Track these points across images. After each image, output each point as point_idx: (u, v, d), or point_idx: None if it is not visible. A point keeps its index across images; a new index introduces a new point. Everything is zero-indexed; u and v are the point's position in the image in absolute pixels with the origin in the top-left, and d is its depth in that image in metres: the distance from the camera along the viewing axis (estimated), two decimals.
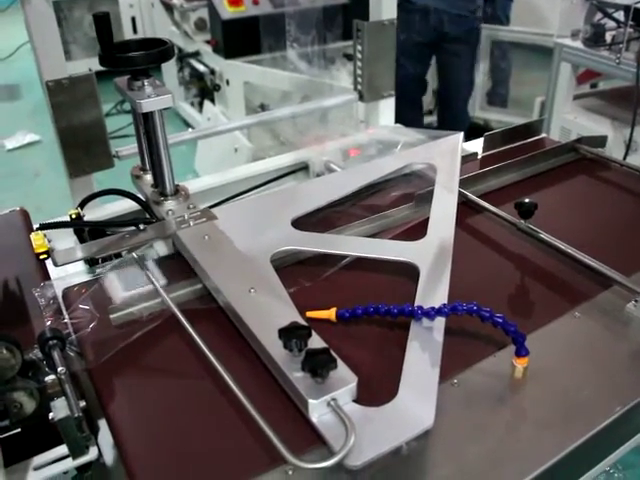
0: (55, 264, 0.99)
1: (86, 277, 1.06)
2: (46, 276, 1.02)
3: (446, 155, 1.33)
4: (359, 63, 1.85)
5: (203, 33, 3.77)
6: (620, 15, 2.61)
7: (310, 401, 0.73)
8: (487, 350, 0.87)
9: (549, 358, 0.86)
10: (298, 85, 2.70)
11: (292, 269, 1.05)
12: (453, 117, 3.60)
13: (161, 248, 1.14)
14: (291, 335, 0.76)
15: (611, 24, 2.66)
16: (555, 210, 1.23)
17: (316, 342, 0.79)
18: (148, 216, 1.18)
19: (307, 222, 1.13)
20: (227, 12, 3.30)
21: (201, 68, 3.84)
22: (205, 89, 3.92)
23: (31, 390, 0.77)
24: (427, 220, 1.12)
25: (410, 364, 0.81)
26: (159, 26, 4.47)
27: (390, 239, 1.10)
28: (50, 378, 0.76)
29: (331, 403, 0.73)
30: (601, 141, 1.48)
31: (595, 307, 0.95)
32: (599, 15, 2.73)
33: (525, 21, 3.80)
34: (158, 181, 1.16)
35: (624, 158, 2.35)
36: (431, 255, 1.01)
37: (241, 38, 3.33)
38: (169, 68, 4.19)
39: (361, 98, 1.88)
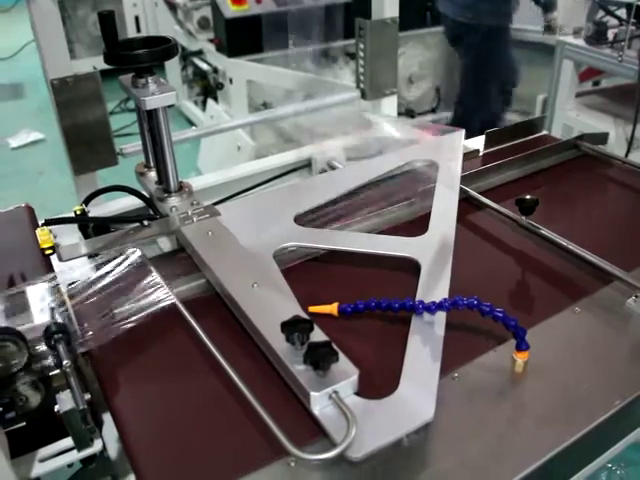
0: (60, 259, 1.00)
1: (91, 272, 1.07)
2: (51, 271, 1.03)
3: (448, 152, 1.33)
4: (361, 61, 1.85)
5: (206, 32, 3.78)
6: (622, 13, 2.62)
7: (312, 393, 0.73)
8: (487, 344, 0.87)
9: (549, 353, 0.86)
10: (301, 83, 2.71)
11: (295, 265, 1.06)
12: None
13: (165, 244, 1.15)
14: (293, 328, 0.77)
15: (613, 22, 2.66)
16: (556, 207, 1.24)
17: (318, 336, 0.79)
18: (152, 212, 1.19)
19: (309, 218, 1.14)
20: (230, 11, 3.31)
21: (204, 67, 3.85)
22: (208, 87, 3.92)
23: (36, 383, 0.78)
24: (429, 216, 1.13)
25: (411, 358, 0.82)
26: (162, 25, 4.48)
27: (391, 235, 1.11)
28: (55, 371, 0.77)
29: (333, 396, 0.74)
30: (603, 138, 1.48)
31: (595, 302, 0.96)
32: (601, 13, 2.74)
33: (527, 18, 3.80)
34: (162, 178, 1.17)
35: (626, 155, 2.35)
36: (432, 251, 1.02)
37: (244, 37, 3.33)
38: (173, 67, 4.20)
39: (363, 96, 1.89)
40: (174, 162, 1.15)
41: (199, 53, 3.91)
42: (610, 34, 2.62)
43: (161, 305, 0.96)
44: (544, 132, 1.55)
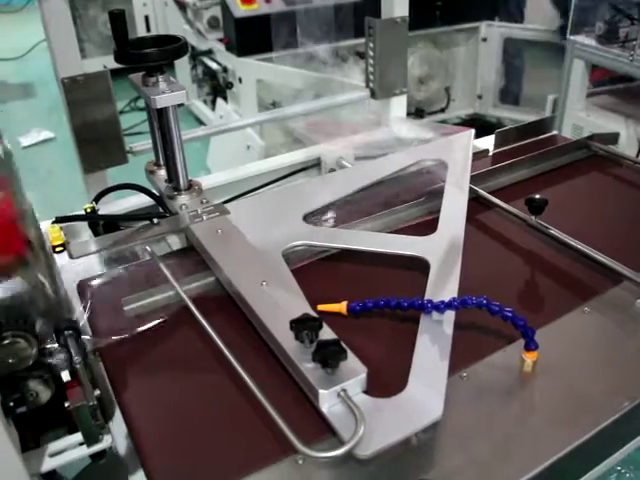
0: (71, 256, 1.01)
1: (100, 269, 1.08)
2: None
3: (457, 151, 1.33)
4: (371, 60, 1.85)
5: (216, 31, 3.78)
6: (634, 12, 2.60)
7: (320, 391, 0.73)
8: (496, 344, 0.87)
9: (558, 353, 0.86)
10: (310, 83, 2.71)
11: (304, 263, 1.06)
12: None
13: (174, 242, 1.16)
14: (302, 326, 0.77)
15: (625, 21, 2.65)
16: (566, 206, 1.24)
17: (327, 334, 0.80)
18: (162, 210, 1.19)
19: (319, 217, 1.14)
20: (240, 10, 3.31)
21: (214, 66, 3.86)
22: (218, 87, 3.93)
23: (46, 379, 0.78)
24: (438, 216, 1.12)
25: (420, 356, 0.82)
26: (172, 24, 4.49)
27: (401, 234, 1.11)
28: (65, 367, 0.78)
29: (341, 394, 0.74)
30: (613, 138, 1.48)
31: (605, 303, 0.96)
32: (613, 12, 2.72)
33: (539, 18, 3.78)
34: (172, 176, 1.17)
35: (637, 155, 2.34)
36: (441, 250, 1.02)
37: (254, 36, 3.33)
38: (182, 66, 4.21)
39: (373, 95, 1.89)
40: (184, 160, 1.15)
41: (209, 52, 3.92)
42: (622, 33, 2.61)
43: (170, 303, 0.97)
44: (554, 132, 1.55)
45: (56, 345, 0.80)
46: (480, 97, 4.01)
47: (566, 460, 0.73)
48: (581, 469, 0.82)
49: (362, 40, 1.90)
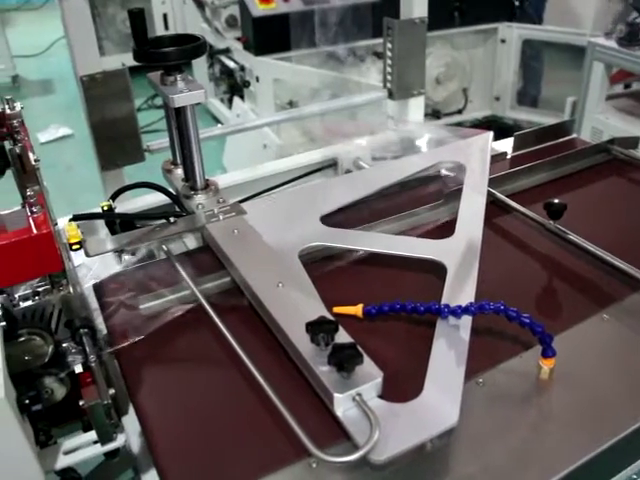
0: (87, 254, 1.01)
1: (116, 268, 1.08)
2: None
3: (475, 154, 1.32)
4: (389, 61, 1.85)
5: (234, 30, 3.79)
6: None
7: (335, 395, 0.73)
8: (513, 350, 0.87)
9: (576, 360, 0.85)
10: (327, 82, 2.70)
11: (320, 265, 1.05)
12: None
13: (190, 241, 1.16)
14: (318, 329, 0.76)
15: None
16: (585, 211, 1.22)
17: (343, 337, 0.79)
18: (178, 209, 1.19)
19: (336, 218, 1.14)
20: (258, 9, 3.31)
21: (231, 65, 3.86)
22: (235, 86, 3.93)
23: (62, 377, 0.79)
24: (455, 219, 1.11)
25: (436, 362, 0.81)
26: (190, 23, 4.51)
27: (418, 237, 1.10)
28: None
29: (356, 398, 0.73)
30: (634, 142, 1.46)
31: (624, 309, 0.94)
32: (634, 14, 2.69)
33: (558, 20, 3.75)
34: (189, 175, 1.17)
35: None
36: (459, 254, 1.01)
37: (271, 35, 3.34)
38: (200, 65, 4.22)
39: (390, 96, 1.88)
40: (201, 159, 1.15)
41: (226, 51, 3.92)
42: None
43: (186, 302, 0.97)
44: (573, 135, 1.53)
45: (72, 343, 0.80)
46: (497, 99, 3.99)
47: (583, 470, 0.72)
48: (597, 479, 0.80)
49: (380, 40, 1.89)
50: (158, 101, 4.31)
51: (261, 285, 0.93)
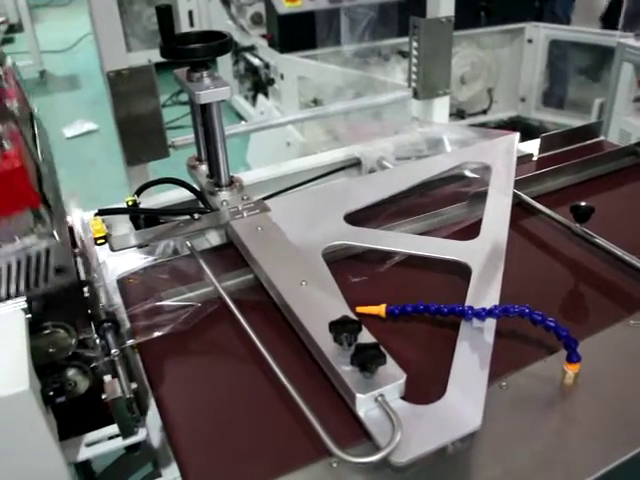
0: (112, 249, 1.02)
1: (140, 263, 1.09)
2: None
3: (501, 155, 1.30)
4: (414, 60, 1.83)
5: (259, 27, 3.80)
6: None
7: (358, 395, 0.73)
8: (537, 354, 0.85)
9: (602, 366, 0.84)
10: (352, 81, 2.70)
11: (343, 264, 1.05)
12: None
13: (214, 238, 1.16)
14: (342, 329, 0.76)
15: None
16: (612, 215, 1.20)
17: (366, 337, 0.79)
18: (202, 206, 1.20)
19: (360, 218, 1.13)
20: (283, 7, 3.32)
21: (256, 62, 3.88)
22: (259, 83, 3.95)
23: (85, 369, 0.79)
24: (480, 220, 1.10)
25: (459, 364, 0.81)
26: (215, 20, 4.53)
27: (443, 238, 1.09)
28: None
29: (379, 399, 0.73)
30: None
31: None
32: None
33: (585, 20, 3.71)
34: (213, 172, 1.18)
35: None
36: (484, 255, 1.00)
37: (297, 33, 3.34)
38: (225, 61, 4.24)
39: (415, 95, 1.87)
40: (226, 156, 1.15)
41: (251, 48, 3.94)
42: None
43: (209, 299, 0.97)
44: (601, 137, 1.51)
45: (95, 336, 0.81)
46: (523, 100, 3.95)
47: (606, 478, 0.71)
48: None
49: (405, 39, 1.88)
50: (183, 97, 4.34)
51: (284, 283, 0.93)
